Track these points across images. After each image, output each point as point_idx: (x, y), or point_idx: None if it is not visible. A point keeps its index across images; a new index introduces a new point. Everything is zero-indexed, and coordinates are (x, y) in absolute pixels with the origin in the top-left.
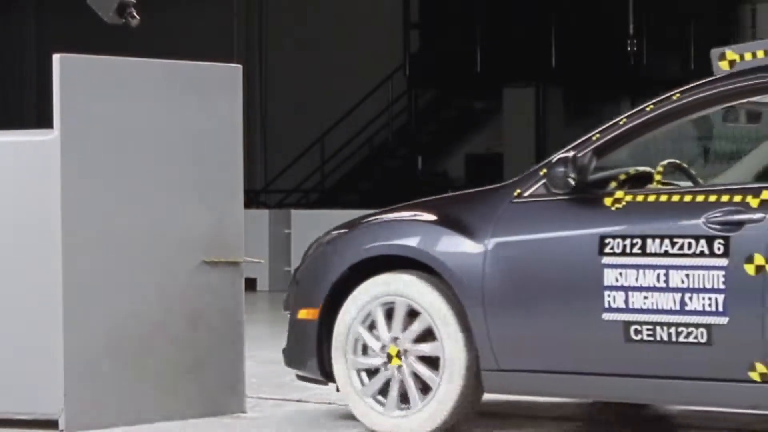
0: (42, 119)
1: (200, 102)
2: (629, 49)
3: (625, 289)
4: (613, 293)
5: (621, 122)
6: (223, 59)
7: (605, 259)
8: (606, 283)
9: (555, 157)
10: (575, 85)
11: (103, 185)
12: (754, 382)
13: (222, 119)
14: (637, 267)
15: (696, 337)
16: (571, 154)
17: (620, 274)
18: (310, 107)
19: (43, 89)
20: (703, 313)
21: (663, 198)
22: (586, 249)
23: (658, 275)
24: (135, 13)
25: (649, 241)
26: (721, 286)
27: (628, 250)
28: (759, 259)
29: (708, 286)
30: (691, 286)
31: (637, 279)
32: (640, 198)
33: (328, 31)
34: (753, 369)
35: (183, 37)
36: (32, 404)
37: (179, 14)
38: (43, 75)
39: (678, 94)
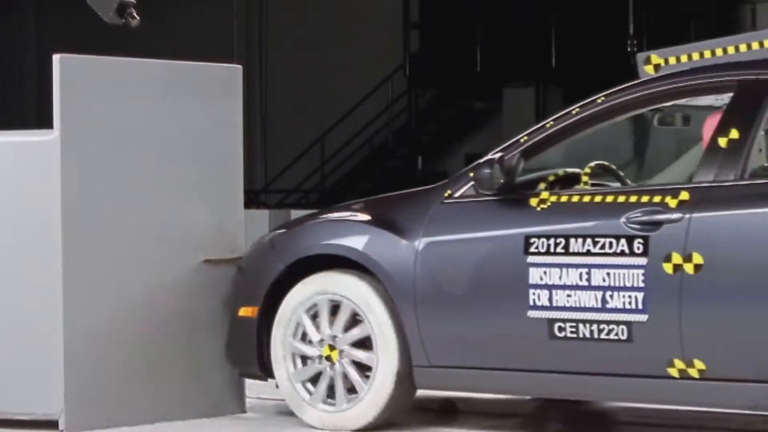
0: (42, 119)
1: (200, 102)
2: (629, 49)
3: (549, 287)
4: (538, 291)
5: (548, 125)
6: (223, 59)
7: (530, 258)
8: (531, 281)
9: (483, 159)
10: (575, 85)
11: (103, 185)
12: (673, 378)
13: (222, 119)
14: (560, 266)
15: (617, 334)
16: (498, 155)
17: (544, 272)
18: (310, 107)
19: (43, 89)
20: (624, 310)
21: (586, 198)
22: (512, 248)
23: (581, 274)
24: (135, 14)
25: (572, 240)
26: (641, 285)
27: (552, 250)
28: (677, 258)
29: (628, 284)
30: (612, 284)
31: (560, 277)
32: (564, 198)
33: (328, 31)
34: (672, 365)
35: (183, 37)
36: (32, 404)
37: (179, 14)
38: (43, 75)
39: (603, 98)
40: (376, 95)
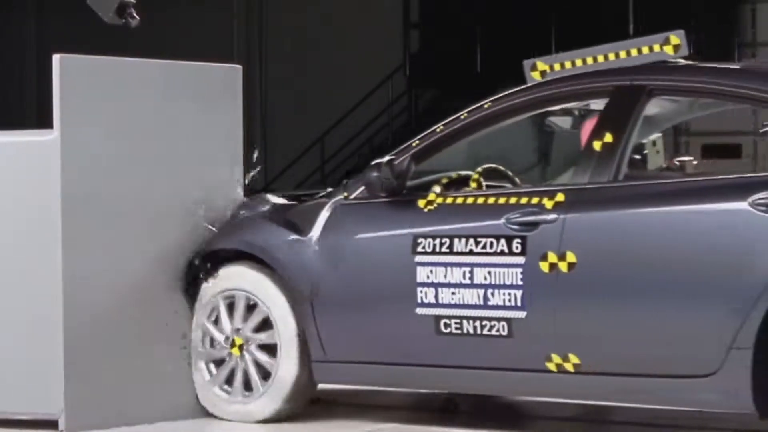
0: (42, 119)
1: (200, 102)
2: None
3: (435, 285)
4: (425, 289)
5: (438, 129)
6: (223, 59)
7: (418, 258)
8: (419, 280)
9: (373, 162)
10: None
11: (103, 185)
12: (551, 372)
13: (222, 119)
14: (445, 265)
15: (498, 330)
16: (387, 159)
17: (431, 271)
18: (310, 107)
19: (43, 89)
20: (504, 307)
21: (470, 200)
22: (401, 248)
23: (464, 272)
24: (135, 14)
25: (456, 240)
26: (519, 283)
27: (437, 249)
28: (552, 257)
29: (508, 282)
30: (493, 282)
31: (445, 276)
32: (450, 200)
33: (328, 31)
34: (550, 360)
35: (183, 37)
36: (32, 404)
37: (179, 14)
38: (43, 75)
39: (489, 103)
40: (376, 95)
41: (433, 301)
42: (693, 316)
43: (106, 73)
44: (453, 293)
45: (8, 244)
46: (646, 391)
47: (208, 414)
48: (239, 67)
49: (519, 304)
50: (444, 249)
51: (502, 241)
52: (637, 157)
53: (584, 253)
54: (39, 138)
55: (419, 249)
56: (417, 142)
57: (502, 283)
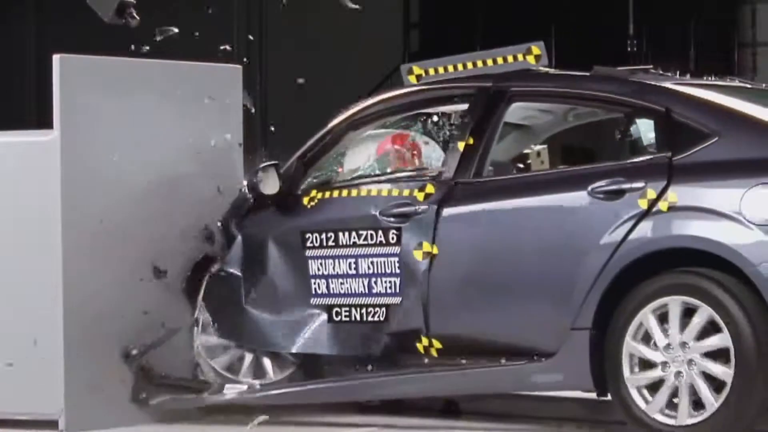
0: (42, 119)
1: (200, 102)
2: (629, 49)
3: (326, 277)
4: (318, 281)
5: (323, 132)
6: (223, 59)
7: (308, 252)
8: (311, 272)
9: (255, 168)
10: None
11: (103, 185)
12: (421, 354)
13: (222, 119)
14: (333, 257)
15: (379, 316)
16: (263, 165)
17: (321, 264)
18: (310, 107)
19: (43, 89)
20: (384, 294)
21: (345, 193)
22: (294, 244)
23: (350, 263)
24: (135, 14)
25: (340, 234)
26: (397, 271)
27: (324, 243)
28: (426, 246)
29: (387, 271)
30: (375, 271)
31: (334, 268)
32: (327, 194)
33: (328, 31)
34: (420, 341)
35: (183, 37)
36: (32, 404)
37: (179, 14)
38: (43, 75)
39: (368, 105)
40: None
41: (325, 291)
42: (540, 300)
43: (106, 73)
44: (342, 283)
45: (8, 244)
46: (497, 377)
47: (206, 415)
48: (239, 67)
49: (396, 290)
50: (330, 243)
51: (380, 232)
52: (499, 154)
53: (446, 243)
54: (39, 138)
55: (308, 244)
56: (306, 147)
57: (382, 271)
